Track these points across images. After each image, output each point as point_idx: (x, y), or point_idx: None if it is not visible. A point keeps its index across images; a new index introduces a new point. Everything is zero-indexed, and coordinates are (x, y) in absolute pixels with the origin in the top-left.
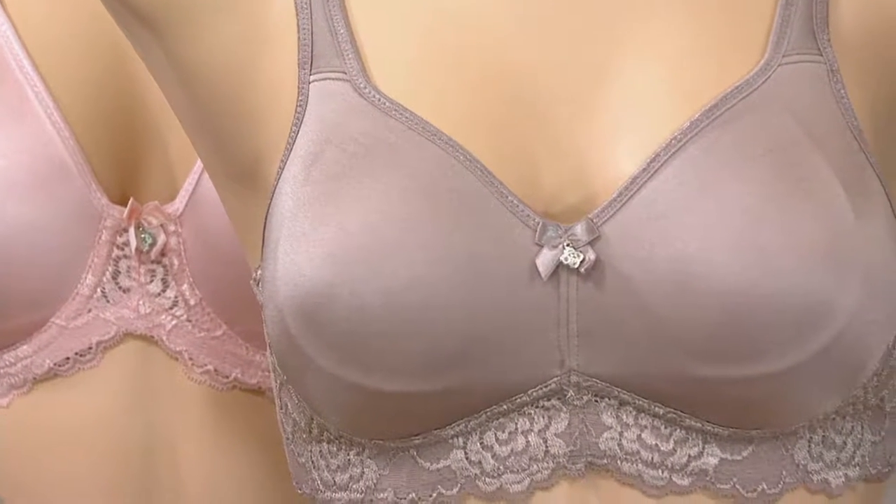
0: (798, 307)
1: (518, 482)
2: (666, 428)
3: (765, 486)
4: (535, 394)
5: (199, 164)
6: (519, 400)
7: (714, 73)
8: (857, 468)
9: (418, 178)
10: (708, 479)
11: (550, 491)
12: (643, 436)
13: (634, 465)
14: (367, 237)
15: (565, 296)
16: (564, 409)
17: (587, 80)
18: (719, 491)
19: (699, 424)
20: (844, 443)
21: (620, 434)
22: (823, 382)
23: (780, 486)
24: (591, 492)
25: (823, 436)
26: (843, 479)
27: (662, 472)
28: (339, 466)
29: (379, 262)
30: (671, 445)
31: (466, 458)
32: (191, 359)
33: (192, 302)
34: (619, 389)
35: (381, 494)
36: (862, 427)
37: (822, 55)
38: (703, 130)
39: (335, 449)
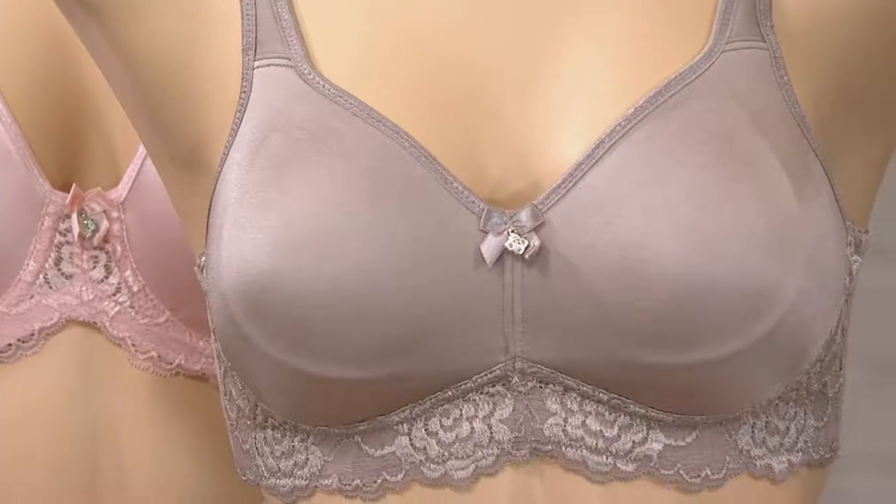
0: (742, 293)
1: (463, 468)
2: (610, 414)
3: (708, 472)
4: (479, 380)
5: (142, 150)
6: (464, 386)
7: (658, 59)
8: (801, 454)
9: (363, 165)
10: (652, 464)
11: (495, 477)
12: (587, 422)
13: (579, 451)
14: (312, 223)
15: (510, 282)
16: (509, 396)
17: (531, 66)
18: (663, 477)
19: (643, 410)
20: (787, 428)
21: (565, 420)
22: (767, 368)
23: (723, 471)
24: (535, 478)
25: (767, 421)
26: (786, 464)
27: (607, 459)
28: (283, 453)
29: (324, 248)
30: (615, 431)
31: (411, 445)
32: (134, 345)
33: (135, 288)
34: (564, 376)
35: (326, 481)
36: (805, 413)
37: (765, 42)
38: (647, 116)
39: (279, 435)
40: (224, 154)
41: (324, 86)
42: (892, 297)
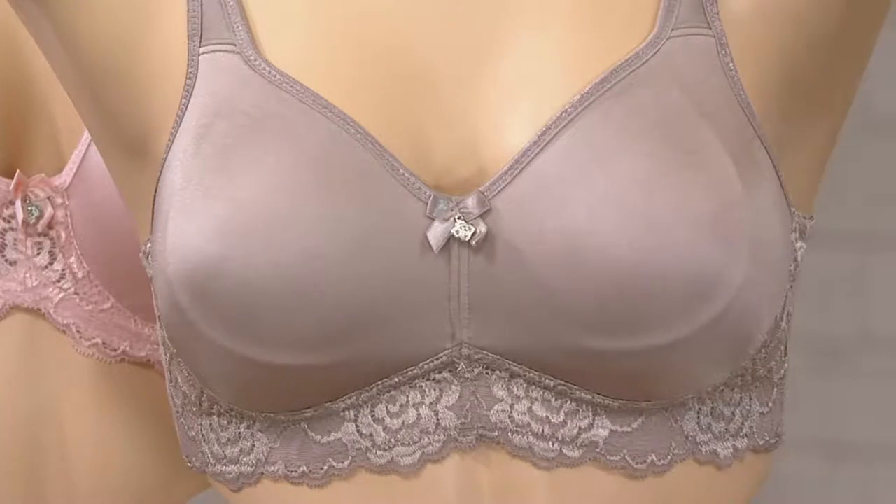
0: (687, 279)
1: (409, 455)
2: (556, 400)
3: (654, 458)
4: (426, 367)
5: (86, 136)
6: (410, 373)
7: (604, 46)
8: (746, 439)
9: (309, 151)
10: (598, 450)
11: (441, 463)
12: (534, 408)
13: (525, 437)
14: (257, 210)
15: (456, 269)
16: (455, 382)
17: (477, 52)
18: (609, 462)
19: (589, 396)
20: (733, 414)
21: (511, 406)
22: (712, 354)
23: (669, 457)
24: (481, 464)
25: (712, 407)
26: (731, 450)
27: (553, 445)
28: (229, 440)
29: (269, 235)
30: (561, 417)
31: (357, 431)
32: (78, 332)
33: (79, 275)
34: (510, 362)
35: (272, 468)
36: (750, 398)
37: (710, 28)
38: (594, 103)
39: (225, 422)
40: (169, 140)
41: (270, 72)
42: (835, 282)
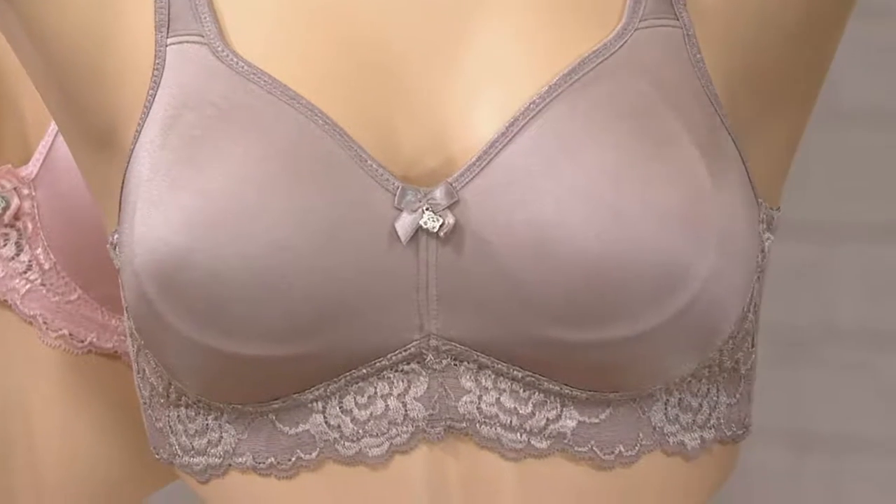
0: (654, 271)
1: (377, 446)
2: (524, 391)
3: (622, 449)
4: (394, 358)
5: (53, 127)
6: (378, 364)
7: (572, 37)
8: (713, 430)
9: (277, 143)
10: (566, 441)
11: (409, 455)
12: (502, 399)
13: (493, 428)
14: (225, 201)
15: (424, 260)
16: (424, 373)
17: (445, 44)
18: (577, 454)
19: (557, 388)
20: (700, 405)
21: (479, 398)
22: (679, 345)
23: (636, 448)
24: (449, 455)
25: (679, 398)
26: (698, 441)
27: (521, 436)
28: (197, 431)
29: (237, 226)
30: (529, 409)
31: (325, 423)
32: (45, 323)
33: (46, 266)
34: (478, 353)
35: (240, 459)
36: (717, 390)
37: (678, 20)
38: (561, 95)
39: (193, 413)
40: (137, 132)
41: (237, 63)
42: (800, 273)
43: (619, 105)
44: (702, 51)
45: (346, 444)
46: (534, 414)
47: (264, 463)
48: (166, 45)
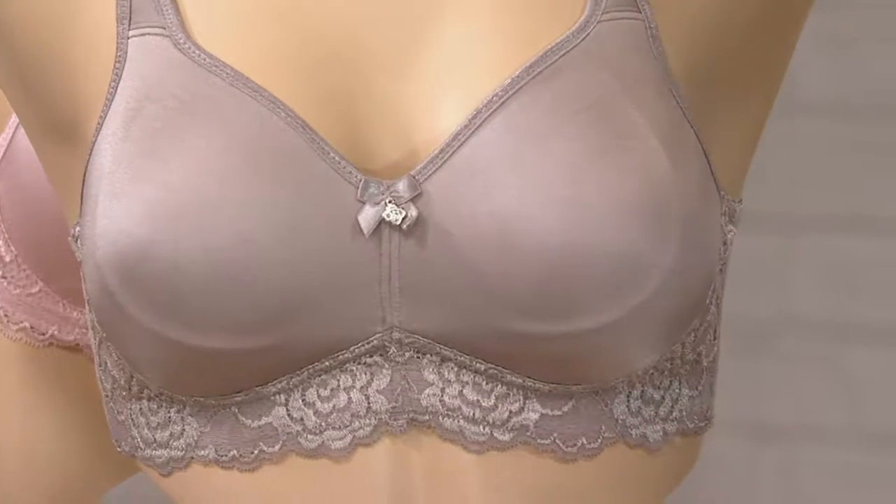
0: (618, 264)
1: (340, 439)
2: (487, 384)
3: (584, 441)
4: (356, 350)
5: (14, 119)
6: (341, 357)
7: (535, 31)
8: (675, 423)
9: (240, 135)
10: (529, 434)
11: (372, 447)
12: (464, 392)
13: (456, 420)
14: (187, 194)
15: (387, 252)
16: (387, 366)
17: (409, 36)
18: (540, 446)
19: (520, 380)
20: (663, 398)
21: (442, 390)
22: (642, 337)
23: (599, 440)
24: (412, 448)
25: (642, 391)
26: (661, 433)
27: (484, 428)
28: (159, 424)
29: (200, 218)
30: (492, 401)
31: (288, 415)
32: (6, 316)
33: (7, 258)
34: (441, 346)
35: (202, 451)
36: (680, 382)
37: (640, 12)
38: (524, 87)
39: (155, 406)
40: (99, 124)
41: (199, 55)
42: (759, 265)
43: (581, 97)
44: (663, 43)
45: (309, 436)
46: (496, 406)
47: (227, 456)
48: (128, 38)
